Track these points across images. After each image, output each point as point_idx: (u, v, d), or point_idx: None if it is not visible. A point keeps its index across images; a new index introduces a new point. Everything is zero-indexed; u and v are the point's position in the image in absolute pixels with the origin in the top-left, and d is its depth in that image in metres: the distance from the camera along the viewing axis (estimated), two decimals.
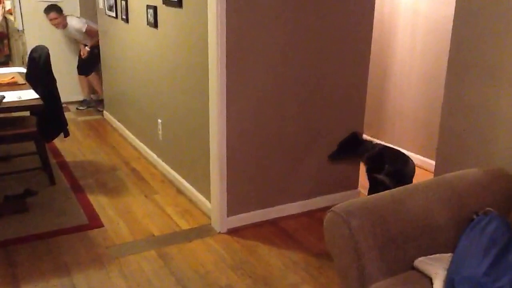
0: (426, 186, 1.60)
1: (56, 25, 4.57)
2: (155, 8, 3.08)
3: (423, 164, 3.54)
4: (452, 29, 2.05)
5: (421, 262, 1.47)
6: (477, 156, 1.95)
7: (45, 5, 4.57)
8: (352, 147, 2.59)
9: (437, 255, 1.51)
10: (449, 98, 2.08)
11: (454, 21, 2.04)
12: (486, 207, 1.55)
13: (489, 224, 1.45)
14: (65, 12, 4.60)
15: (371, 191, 2.54)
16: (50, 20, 4.53)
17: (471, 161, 1.96)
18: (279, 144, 2.62)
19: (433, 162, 2.26)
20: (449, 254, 1.48)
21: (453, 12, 2.05)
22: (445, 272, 1.40)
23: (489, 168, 1.73)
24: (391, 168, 2.47)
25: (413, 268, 1.48)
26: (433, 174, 2.33)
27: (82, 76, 4.91)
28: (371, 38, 2.76)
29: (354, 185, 2.93)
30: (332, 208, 1.48)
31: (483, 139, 1.93)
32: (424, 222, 1.52)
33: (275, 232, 2.58)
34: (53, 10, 4.50)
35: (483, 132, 1.94)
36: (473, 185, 1.63)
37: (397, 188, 1.61)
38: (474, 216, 1.53)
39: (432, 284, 1.39)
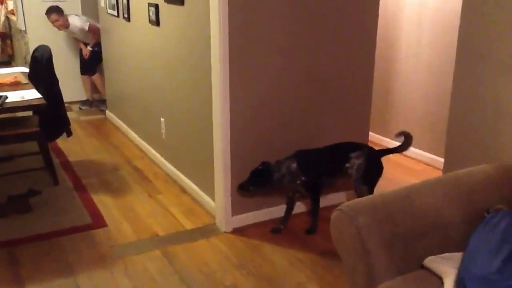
0: (435, 183, 1.57)
1: (59, 27, 4.55)
2: (156, 6, 3.06)
3: (432, 161, 3.50)
4: (460, 22, 2.01)
5: (431, 261, 1.45)
6: (488, 152, 1.91)
7: (47, 5, 4.55)
8: (265, 177, 2.36)
9: (448, 253, 1.48)
10: (458, 93, 2.04)
11: (462, 13, 2.00)
12: (497, 204, 1.52)
13: (501, 221, 1.42)
14: (66, 11, 4.58)
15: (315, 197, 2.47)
16: (52, 22, 4.50)
17: (481, 157, 1.93)
18: (284, 142, 2.59)
19: (442, 160, 2.23)
20: (460, 253, 1.45)
21: (460, 5, 2.02)
22: (456, 271, 1.37)
23: (500, 164, 1.70)
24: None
25: (423, 267, 1.45)
26: (441, 172, 2.30)
27: (85, 76, 4.89)
28: (376, 33, 2.72)
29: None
30: (339, 207, 1.46)
31: (494, 135, 1.90)
32: (433, 219, 1.49)
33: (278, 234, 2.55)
34: (54, 12, 4.45)
35: (493, 128, 1.90)
36: (484, 181, 1.60)
37: (405, 186, 1.58)
38: (486, 214, 1.50)
39: (442, 283, 1.36)
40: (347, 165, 2.39)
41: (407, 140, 2.41)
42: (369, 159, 2.38)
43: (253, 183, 2.40)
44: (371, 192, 2.45)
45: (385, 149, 2.63)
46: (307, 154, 2.44)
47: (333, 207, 2.70)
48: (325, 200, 2.73)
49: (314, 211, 2.51)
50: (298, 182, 2.40)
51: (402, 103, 3.72)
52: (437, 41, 3.35)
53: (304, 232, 2.50)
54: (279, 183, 2.41)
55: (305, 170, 2.38)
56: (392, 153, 2.53)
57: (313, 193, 2.48)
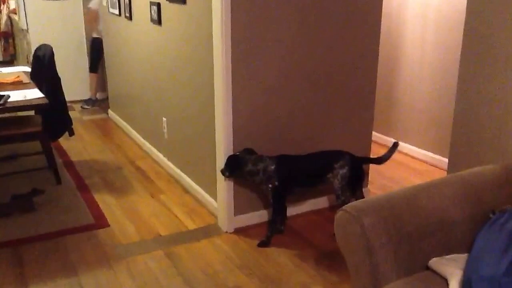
0: (441, 183, 1.55)
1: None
2: (158, 5, 3.05)
3: (435, 161, 3.48)
4: (465, 20, 1.99)
5: (436, 263, 1.43)
6: (493, 152, 1.90)
7: (49, 4, 4.54)
8: (237, 165, 2.31)
9: (453, 255, 1.46)
10: (463, 92, 2.03)
11: (467, 11, 1.98)
12: (504, 204, 1.50)
13: (508, 221, 1.40)
14: (67, 10, 4.59)
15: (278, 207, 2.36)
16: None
17: (486, 157, 1.91)
18: (286, 142, 2.58)
19: (446, 160, 2.22)
20: (465, 255, 1.44)
21: (464, 3, 2.00)
22: (461, 272, 1.35)
23: (507, 164, 1.68)
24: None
25: (428, 268, 1.44)
26: (445, 172, 2.29)
27: (93, 74, 4.86)
28: (380, 31, 2.71)
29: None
30: (343, 207, 1.44)
31: (499, 134, 1.88)
32: (439, 219, 1.48)
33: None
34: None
35: (499, 127, 1.88)
36: (490, 181, 1.58)
37: (410, 186, 1.56)
38: (491, 214, 1.48)
39: (447, 284, 1.35)
40: (329, 175, 2.31)
41: (390, 152, 2.34)
42: (352, 168, 2.30)
43: (227, 168, 2.35)
44: (358, 195, 2.39)
45: (366, 158, 2.56)
46: (289, 160, 2.36)
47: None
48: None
49: (272, 221, 2.41)
50: (270, 185, 2.32)
51: (406, 102, 3.71)
52: (441, 40, 3.33)
53: (256, 245, 2.38)
54: (250, 177, 2.33)
55: (282, 176, 2.30)
56: (373, 163, 2.45)
57: (279, 202, 2.37)
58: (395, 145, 2.34)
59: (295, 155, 2.40)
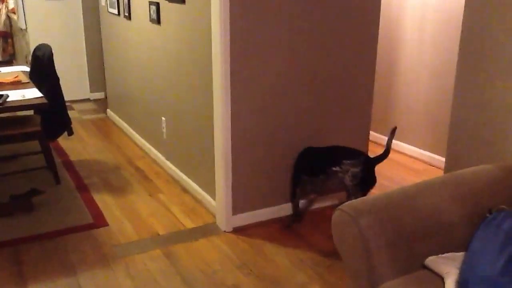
0: (439, 183, 1.56)
1: None
2: (157, 5, 3.05)
3: (433, 161, 3.49)
4: (463, 21, 2.00)
5: (432, 261, 1.44)
6: (490, 152, 1.91)
7: (48, 3, 4.54)
8: None
9: (449, 254, 1.47)
10: (460, 93, 2.04)
11: (464, 12, 1.99)
12: (501, 204, 1.51)
13: (504, 221, 1.41)
14: (67, 10, 4.57)
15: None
16: None
17: (483, 157, 1.92)
18: (285, 142, 2.59)
19: (443, 159, 2.22)
20: (461, 253, 1.44)
21: (463, 4, 2.01)
22: (457, 271, 1.36)
23: (504, 164, 1.69)
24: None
25: (424, 267, 1.44)
26: (442, 172, 2.29)
27: None
28: (378, 31, 2.72)
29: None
30: (340, 207, 1.45)
31: (496, 134, 1.89)
32: (437, 219, 1.48)
33: (282, 231, 2.55)
34: None
35: (495, 127, 1.89)
36: (488, 181, 1.59)
37: (408, 185, 1.57)
38: (487, 214, 1.49)
39: (444, 283, 1.35)
40: (335, 168, 2.30)
41: (389, 140, 2.31)
42: (366, 169, 2.28)
43: None
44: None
45: (378, 157, 2.50)
46: (306, 151, 2.55)
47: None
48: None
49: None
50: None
51: (404, 102, 3.71)
52: (440, 41, 3.34)
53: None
54: None
55: (296, 165, 2.56)
56: (384, 158, 2.37)
57: (290, 186, 2.61)
58: (394, 130, 2.29)
59: (316, 147, 2.57)
